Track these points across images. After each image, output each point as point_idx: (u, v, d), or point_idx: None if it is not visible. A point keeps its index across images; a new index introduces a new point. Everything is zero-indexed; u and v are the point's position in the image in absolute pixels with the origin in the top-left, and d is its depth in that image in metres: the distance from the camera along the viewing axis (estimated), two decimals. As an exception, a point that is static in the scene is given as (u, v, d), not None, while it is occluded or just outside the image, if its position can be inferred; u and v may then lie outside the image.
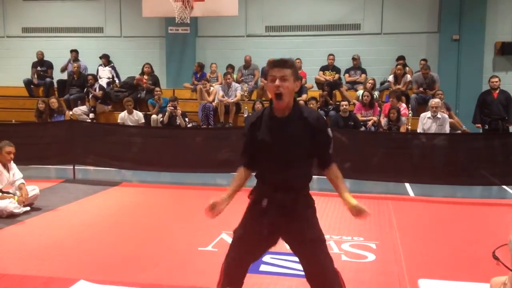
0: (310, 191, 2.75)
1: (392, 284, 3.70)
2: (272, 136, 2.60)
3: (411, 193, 7.04)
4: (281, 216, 2.61)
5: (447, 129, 8.49)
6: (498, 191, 7.19)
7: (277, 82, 2.53)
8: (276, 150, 2.60)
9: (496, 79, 9.25)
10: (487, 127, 9.23)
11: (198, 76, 11.47)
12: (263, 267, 3.98)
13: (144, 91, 11.02)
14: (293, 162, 2.61)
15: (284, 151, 2.59)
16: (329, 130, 2.67)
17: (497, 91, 9.23)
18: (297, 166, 2.62)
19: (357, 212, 2.71)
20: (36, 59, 12.10)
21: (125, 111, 9.85)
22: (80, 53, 12.16)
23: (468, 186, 7.12)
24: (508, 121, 9.25)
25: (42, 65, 12.07)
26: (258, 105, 9.39)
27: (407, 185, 7.35)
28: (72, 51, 12.04)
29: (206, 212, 2.66)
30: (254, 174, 2.77)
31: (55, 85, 11.92)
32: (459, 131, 8.99)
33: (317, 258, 2.60)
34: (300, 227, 2.61)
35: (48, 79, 11.92)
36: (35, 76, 11.92)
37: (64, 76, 12.08)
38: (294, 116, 2.60)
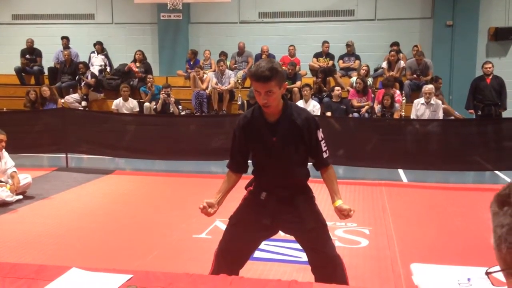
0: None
1: (385, 269, 3.73)
2: (263, 140, 2.59)
3: (404, 179, 7.08)
4: (280, 207, 2.62)
5: (440, 115, 8.50)
6: (490, 177, 7.24)
7: (263, 97, 2.47)
8: (269, 154, 2.60)
9: (489, 65, 9.26)
10: (480, 113, 9.26)
11: (192, 63, 11.39)
12: (257, 254, 3.98)
13: (137, 79, 10.94)
14: (287, 166, 2.60)
15: (277, 155, 2.59)
16: (319, 131, 2.63)
17: (490, 77, 9.24)
18: (292, 169, 2.62)
19: (339, 211, 2.70)
20: (25, 47, 11.96)
21: (120, 98, 9.76)
22: (71, 40, 12.03)
23: (461, 172, 7.16)
24: (501, 106, 9.28)
25: (32, 53, 11.93)
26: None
27: (401, 171, 7.38)
28: (63, 38, 11.90)
29: (201, 211, 2.64)
30: (252, 172, 2.74)
31: (46, 72, 11.81)
32: (452, 117, 9.02)
33: (318, 246, 2.62)
34: (300, 217, 2.63)
35: (36, 67, 11.79)
36: (24, 63, 11.79)
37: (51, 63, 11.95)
38: (284, 120, 2.56)
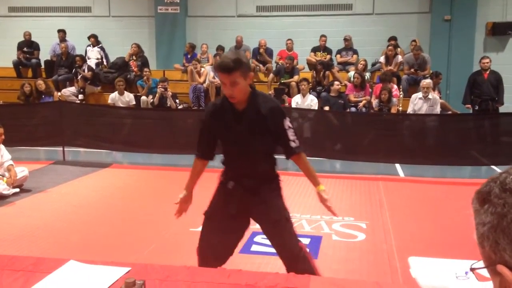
0: (279, 172, 2.79)
1: (382, 263, 3.74)
2: (230, 128, 2.62)
3: (401, 174, 7.09)
4: (247, 197, 2.65)
5: (438, 110, 8.51)
6: (487, 171, 7.25)
7: (228, 88, 2.50)
8: (235, 142, 2.64)
9: (487, 60, 9.26)
10: (477, 107, 9.27)
11: (189, 57, 11.35)
12: (254, 247, 4.00)
13: (133, 73, 10.90)
14: (253, 154, 2.63)
15: (243, 144, 2.62)
16: (286, 120, 2.63)
17: (488, 72, 9.24)
18: (258, 157, 2.65)
19: (320, 197, 2.76)
20: (22, 39, 11.88)
21: (116, 92, 9.73)
22: (68, 33, 11.95)
23: (458, 166, 7.18)
24: (498, 101, 9.28)
25: (30, 46, 11.86)
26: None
27: (398, 165, 7.39)
28: (59, 31, 11.83)
29: (176, 214, 2.80)
30: (222, 161, 2.78)
31: (43, 65, 11.75)
32: (449, 112, 9.03)
33: (282, 237, 2.67)
34: (265, 208, 2.66)
35: (34, 60, 11.73)
36: (21, 57, 11.72)
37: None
38: (250, 109, 2.58)
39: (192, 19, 12.33)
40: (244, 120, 2.59)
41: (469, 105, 9.34)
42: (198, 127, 2.83)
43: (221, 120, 2.65)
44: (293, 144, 2.64)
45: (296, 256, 2.66)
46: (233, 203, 2.65)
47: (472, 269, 0.92)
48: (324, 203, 2.73)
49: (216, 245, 2.68)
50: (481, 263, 0.90)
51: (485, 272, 0.91)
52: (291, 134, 2.64)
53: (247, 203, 2.66)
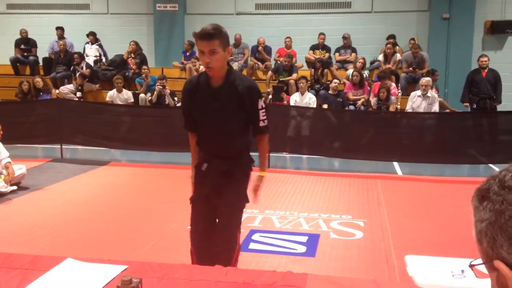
0: (249, 155, 2.85)
1: (379, 261, 3.75)
2: (206, 105, 2.66)
3: (400, 172, 7.10)
4: (219, 178, 2.74)
5: (436, 108, 8.52)
6: (485, 170, 7.26)
7: (207, 57, 2.51)
8: (210, 119, 2.68)
9: (485, 58, 9.26)
10: (475, 106, 9.28)
11: (188, 54, 11.33)
12: (252, 245, 4.00)
13: (132, 70, 10.88)
14: (227, 131, 2.68)
15: (217, 120, 2.66)
16: (261, 100, 2.70)
17: (486, 70, 9.24)
18: (232, 135, 2.71)
19: (253, 183, 2.86)
20: (19, 37, 11.85)
21: (114, 90, 9.71)
22: (66, 30, 11.93)
23: (456, 165, 7.19)
24: (496, 100, 9.29)
25: (27, 44, 11.83)
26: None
27: (396, 164, 7.40)
28: (57, 28, 11.80)
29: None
30: (196, 142, 2.87)
31: (41, 62, 11.72)
32: (447, 110, 9.03)
33: (229, 219, 2.77)
34: (230, 189, 2.75)
35: (32, 58, 11.71)
36: (19, 54, 11.69)
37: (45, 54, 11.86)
38: (227, 85, 2.62)
39: (190, 16, 12.31)
40: (220, 97, 2.62)
41: (467, 104, 9.35)
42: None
43: (196, 97, 2.69)
44: (261, 124, 2.73)
45: (228, 240, 2.77)
46: (206, 184, 2.75)
47: (471, 266, 0.93)
48: (253, 187, 2.84)
49: (206, 228, 2.79)
50: (479, 260, 0.91)
51: (483, 269, 0.92)
52: (262, 114, 2.71)
53: (218, 184, 2.74)
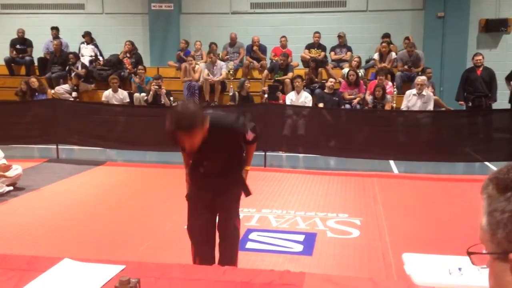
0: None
1: (376, 259, 3.76)
2: (198, 153, 2.88)
3: (396, 170, 7.12)
4: (216, 178, 2.98)
5: (431, 107, 8.54)
6: (480, 168, 7.30)
7: (188, 141, 2.72)
8: (204, 158, 2.96)
9: (480, 57, 9.30)
10: (470, 104, 9.31)
11: (182, 54, 11.31)
12: (249, 244, 4.01)
13: (127, 70, 10.85)
14: (224, 160, 2.98)
15: (210, 157, 2.95)
16: (245, 127, 2.97)
17: (481, 69, 9.28)
18: (229, 159, 3.00)
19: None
20: (14, 37, 11.79)
21: (110, 89, 9.68)
22: (61, 30, 11.88)
23: (451, 163, 7.22)
24: (491, 98, 9.33)
25: (23, 44, 11.77)
26: (248, 84, 9.46)
27: (392, 162, 7.42)
28: (52, 28, 11.75)
29: None
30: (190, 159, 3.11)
31: (36, 63, 11.68)
32: (443, 109, 9.06)
33: (229, 213, 3.05)
34: (228, 188, 3.03)
35: (27, 58, 11.66)
36: (14, 54, 11.63)
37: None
38: (213, 135, 2.79)
39: (185, 16, 12.29)
40: (210, 144, 2.80)
41: (462, 102, 9.38)
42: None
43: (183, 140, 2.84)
44: (249, 138, 3.02)
45: (231, 231, 3.05)
46: (204, 183, 3.00)
47: (470, 253, 0.92)
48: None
49: (201, 224, 3.01)
50: (479, 248, 0.89)
51: (479, 258, 0.91)
52: (249, 134, 2.99)
53: (215, 183, 2.98)
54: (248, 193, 3.11)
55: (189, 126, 2.61)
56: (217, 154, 2.95)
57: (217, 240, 3.12)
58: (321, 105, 9.03)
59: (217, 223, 3.07)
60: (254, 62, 11.02)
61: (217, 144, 2.85)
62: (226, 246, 3.05)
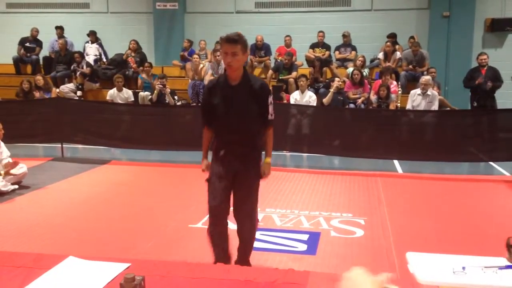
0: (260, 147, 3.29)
1: (380, 258, 3.76)
2: (225, 101, 3.09)
3: (400, 170, 7.10)
4: (235, 161, 3.13)
5: (436, 106, 8.52)
6: (485, 167, 7.28)
7: (229, 57, 3.00)
8: (229, 113, 3.09)
9: (484, 56, 9.26)
10: (475, 104, 9.28)
11: (186, 54, 11.33)
12: (255, 244, 4.01)
13: (132, 69, 10.88)
14: (244, 121, 3.11)
15: (236, 112, 3.09)
16: (270, 97, 3.18)
17: (485, 68, 9.24)
18: (248, 127, 3.13)
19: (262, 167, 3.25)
20: (23, 35, 11.78)
21: (115, 88, 9.70)
22: (66, 29, 11.92)
23: (456, 163, 7.19)
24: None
25: (32, 42, 11.80)
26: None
27: (396, 162, 7.41)
28: (57, 27, 11.80)
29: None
30: (215, 135, 3.25)
31: (41, 62, 11.72)
32: (447, 108, 9.03)
33: (248, 193, 3.19)
34: (247, 172, 3.16)
35: (34, 57, 11.71)
36: (22, 52, 11.67)
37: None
38: (243, 84, 3.10)
39: (190, 15, 12.31)
40: (238, 93, 3.08)
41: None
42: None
43: (217, 93, 3.12)
44: (270, 117, 3.18)
45: (250, 213, 3.22)
46: (223, 166, 3.14)
47: (510, 246, 0.92)
48: (261, 171, 3.23)
49: (220, 191, 3.14)
50: None
51: None
52: (271, 109, 3.17)
53: (234, 166, 3.14)
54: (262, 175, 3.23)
55: (235, 38, 2.98)
56: (240, 117, 3.07)
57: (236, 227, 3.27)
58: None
59: (237, 206, 3.19)
60: (258, 58, 11.07)
61: (243, 102, 3.05)
62: (242, 232, 3.23)
